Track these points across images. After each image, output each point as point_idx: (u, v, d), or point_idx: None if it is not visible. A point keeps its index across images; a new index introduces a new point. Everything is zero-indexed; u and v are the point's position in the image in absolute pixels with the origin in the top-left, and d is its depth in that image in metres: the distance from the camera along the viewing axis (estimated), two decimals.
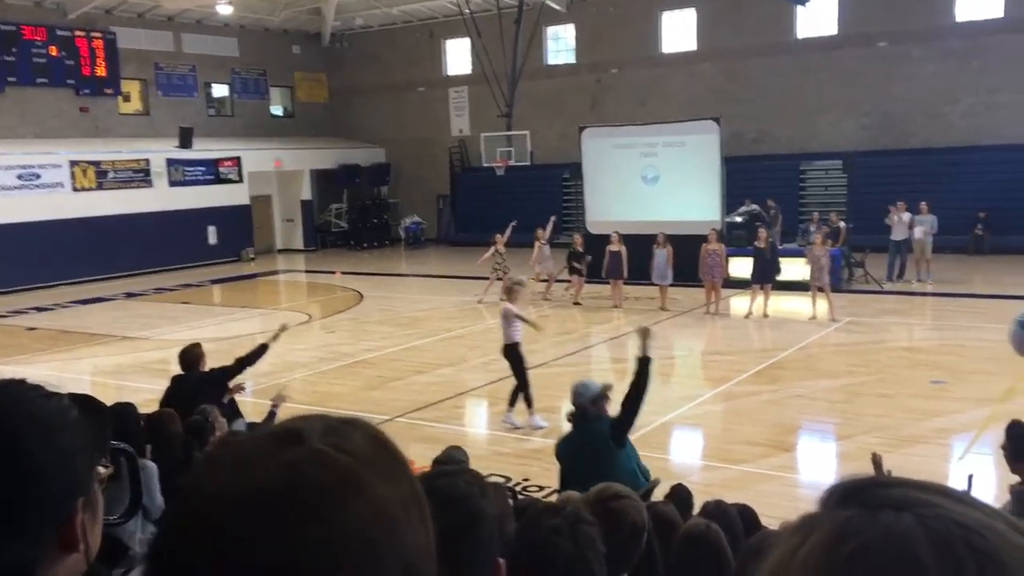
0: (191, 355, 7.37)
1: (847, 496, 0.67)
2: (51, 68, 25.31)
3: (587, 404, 5.47)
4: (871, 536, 0.63)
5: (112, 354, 15.10)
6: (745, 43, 25.71)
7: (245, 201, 28.71)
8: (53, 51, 25.37)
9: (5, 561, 0.97)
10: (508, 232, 18.63)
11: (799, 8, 24.81)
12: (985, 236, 22.20)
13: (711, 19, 26.42)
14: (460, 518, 1.77)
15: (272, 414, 6.73)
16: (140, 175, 25.89)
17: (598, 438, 5.38)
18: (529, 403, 9.80)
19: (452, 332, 15.38)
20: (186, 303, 20.86)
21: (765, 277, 15.91)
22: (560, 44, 29.78)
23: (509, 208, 23.18)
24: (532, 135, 25.26)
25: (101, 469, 1.14)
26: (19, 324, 18.30)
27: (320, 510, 0.71)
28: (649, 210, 19.33)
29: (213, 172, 27.76)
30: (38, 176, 23.54)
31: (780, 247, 18.55)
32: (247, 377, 7.87)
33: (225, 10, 27.47)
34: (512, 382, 9.83)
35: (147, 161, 26.03)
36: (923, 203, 18.89)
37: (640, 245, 17.28)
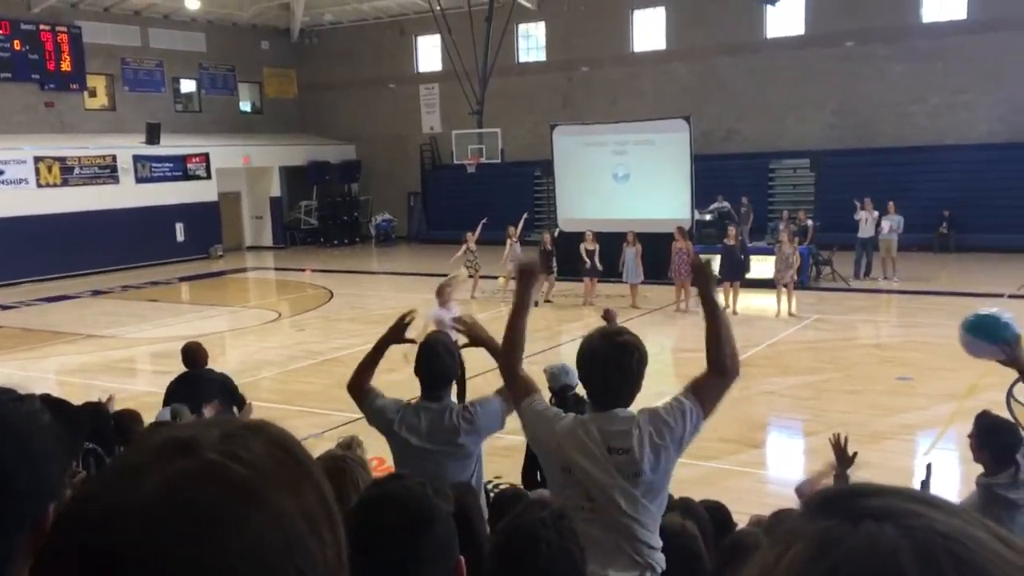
0: (196, 351, 7.23)
1: (828, 506, 0.66)
2: (15, 63, 24.92)
3: (565, 387, 5.45)
4: (853, 547, 0.62)
5: (78, 353, 14.90)
6: (715, 42, 25.88)
7: (213, 198, 28.46)
8: (17, 45, 24.99)
9: None
10: (479, 230, 18.64)
11: (768, 8, 25.02)
12: (950, 234, 22.52)
13: (681, 18, 26.56)
14: (413, 520, 1.81)
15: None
16: (106, 171, 25.59)
17: None
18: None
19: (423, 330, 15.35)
20: (154, 301, 20.65)
21: (734, 274, 16.05)
22: (531, 42, 29.79)
23: (480, 206, 23.20)
24: (503, 133, 25.26)
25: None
26: None
27: (206, 528, 0.65)
28: (620, 208, 19.42)
29: (181, 168, 27.49)
30: (2, 172, 23.20)
31: (749, 245, 18.73)
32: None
33: (193, 5, 27.24)
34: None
35: (114, 157, 25.72)
36: (890, 203, 19.12)
37: (611, 243, 17.36)
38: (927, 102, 23.93)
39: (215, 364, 13.66)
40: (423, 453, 3.97)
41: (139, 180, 26.29)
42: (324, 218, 31.34)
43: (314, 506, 0.72)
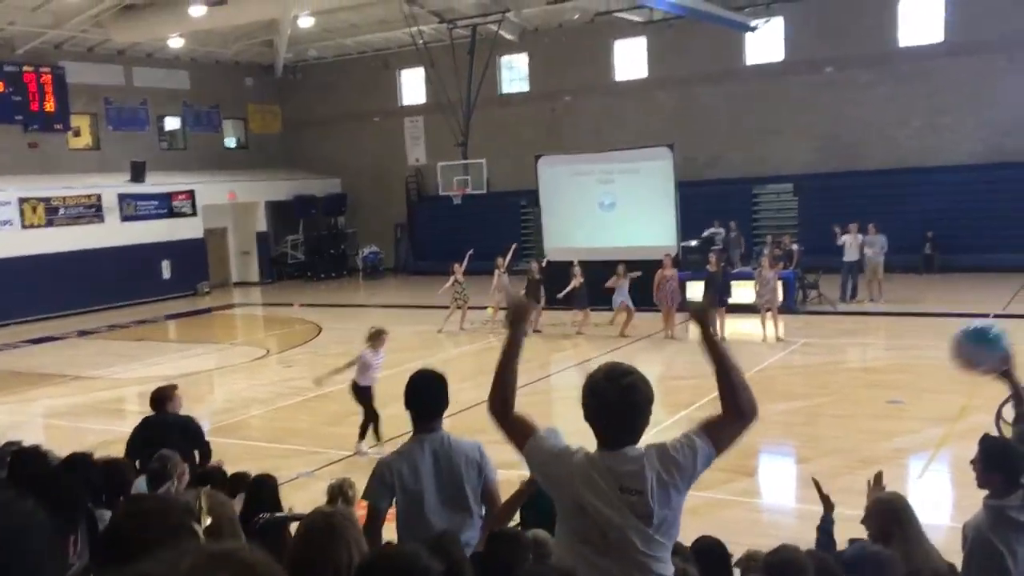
0: (160, 395, 7.21)
1: None
2: None
3: None
4: None
5: (66, 395, 14.79)
6: (695, 70, 26.13)
7: (199, 234, 28.42)
8: (0, 87, 25.00)
9: None
10: (466, 261, 18.64)
11: (748, 35, 25.33)
12: (934, 255, 22.67)
13: (662, 47, 26.82)
14: None
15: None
16: (91, 211, 25.53)
17: None
18: (364, 434, 10.41)
19: (412, 363, 15.23)
20: (141, 340, 20.54)
21: (718, 300, 16.07)
22: (514, 73, 30.00)
23: (467, 236, 23.25)
24: (488, 163, 25.37)
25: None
26: None
27: None
28: (607, 236, 19.50)
29: (166, 206, 27.46)
30: None
31: (735, 270, 18.81)
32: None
33: (176, 43, 27.32)
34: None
35: (98, 196, 25.67)
36: (871, 225, 19.25)
37: (599, 271, 17.40)
38: (908, 125, 24.17)
39: (202, 403, 13.60)
40: None
41: (125, 219, 26.23)
42: (311, 252, 31.32)
43: None
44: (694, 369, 14.02)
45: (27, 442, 7.28)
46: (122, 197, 26.23)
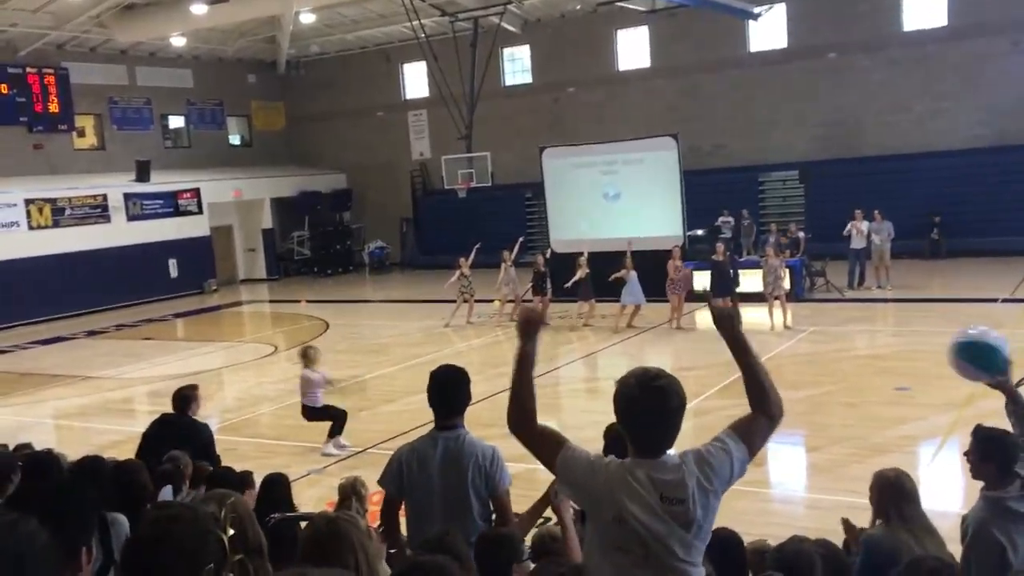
0: (184, 395, 7.23)
1: None
2: (3, 106, 24.96)
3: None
4: None
5: (75, 395, 14.85)
6: (698, 58, 26.06)
7: (206, 232, 28.47)
8: (4, 89, 25.04)
9: None
10: (472, 255, 18.65)
11: (750, 23, 25.24)
12: (941, 240, 22.60)
13: (664, 36, 26.74)
14: None
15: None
16: (97, 211, 25.59)
17: None
18: (334, 433, 10.56)
19: (420, 358, 15.31)
20: (149, 339, 20.61)
21: (725, 290, 16.03)
22: (517, 65, 29.95)
23: (473, 230, 23.25)
24: (492, 156, 25.33)
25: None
26: None
27: None
28: (612, 227, 19.46)
29: (172, 204, 27.51)
30: None
31: (742, 259, 18.78)
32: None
33: (179, 42, 27.34)
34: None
35: (104, 196, 25.72)
36: (876, 211, 19.19)
37: (606, 262, 17.37)
38: (912, 109, 24.08)
39: (212, 401, 13.62)
40: None
41: (131, 218, 26.29)
42: (317, 248, 31.35)
43: None
44: (702, 359, 14.02)
45: (38, 444, 7.34)
46: (128, 196, 26.28)
